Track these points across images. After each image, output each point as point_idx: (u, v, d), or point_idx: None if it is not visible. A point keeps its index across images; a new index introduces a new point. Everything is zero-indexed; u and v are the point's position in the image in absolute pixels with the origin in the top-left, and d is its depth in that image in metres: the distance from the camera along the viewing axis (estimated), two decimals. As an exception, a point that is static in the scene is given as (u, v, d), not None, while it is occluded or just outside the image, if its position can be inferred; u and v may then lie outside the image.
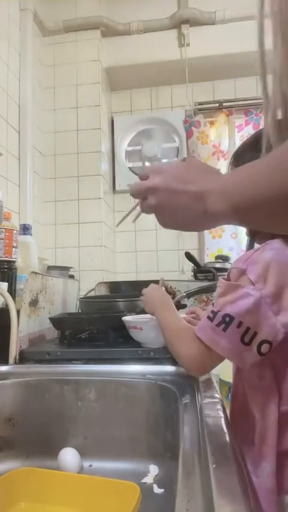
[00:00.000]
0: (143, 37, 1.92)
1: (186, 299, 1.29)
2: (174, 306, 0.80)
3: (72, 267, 1.71)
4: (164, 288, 0.93)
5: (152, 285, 0.91)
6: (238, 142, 1.95)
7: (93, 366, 0.86)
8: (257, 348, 0.55)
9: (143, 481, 0.67)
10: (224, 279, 0.62)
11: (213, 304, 0.60)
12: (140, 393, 0.76)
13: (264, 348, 0.55)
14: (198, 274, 1.60)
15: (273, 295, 0.55)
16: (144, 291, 0.88)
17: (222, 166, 1.96)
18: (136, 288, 0.91)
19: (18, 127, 1.62)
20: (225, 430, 0.49)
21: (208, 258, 1.95)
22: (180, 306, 1.26)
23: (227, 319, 0.56)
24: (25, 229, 1.34)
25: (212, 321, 0.58)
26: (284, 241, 0.57)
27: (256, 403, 0.61)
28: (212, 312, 0.59)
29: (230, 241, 1.97)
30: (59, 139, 1.87)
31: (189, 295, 1.27)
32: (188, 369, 0.68)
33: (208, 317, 0.59)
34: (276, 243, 0.58)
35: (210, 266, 1.67)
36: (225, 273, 0.64)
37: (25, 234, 1.33)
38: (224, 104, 2.02)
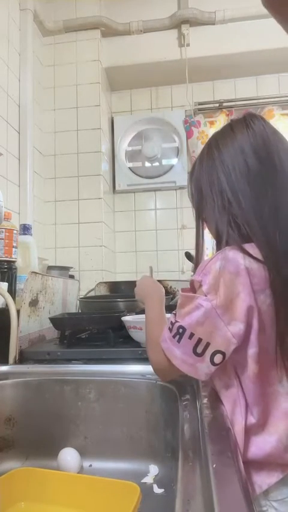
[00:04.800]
0: (143, 37, 1.92)
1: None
2: (160, 298, 0.79)
3: (72, 267, 1.71)
4: (153, 276, 0.94)
5: (143, 275, 0.92)
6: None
7: (93, 366, 0.86)
8: (210, 358, 0.55)
9: (143, 481, 0.67)
10: (184, 289, 0.62)
11: (175, 314, 0.61)
12: (140, 393, 0.76)
13: (218, 358, 0.55)
14: (198, 274, 1.59)
15: (224, 306, 0.54)
16: (137, 281, 0.89)
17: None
18: (136, 288, 0.91)
19: (18, 127, 1.62)
20: (225, 430, 0.49)
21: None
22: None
23: (181, 330, 0.57)
24: (25, 229, 1.34)
25: (171, 332, 0.59)
26: (237, 249, 0.57)
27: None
28: (171, 322, 0.59)
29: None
30: (59, 139, 1.87)
31: (189, 295, 1.26)
32: (154, 371, 0.67)
33: (168, 327, 0.60)
34: (230, 251, 0.57)
35: (210, 266, 1.66)
36: None
37: (25, 234, 1.33)
38: (224, 104, 2.01)
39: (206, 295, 0.56)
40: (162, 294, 0.81)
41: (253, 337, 0.55)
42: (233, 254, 0.56)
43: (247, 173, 0.61)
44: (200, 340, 0.55)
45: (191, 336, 0.55)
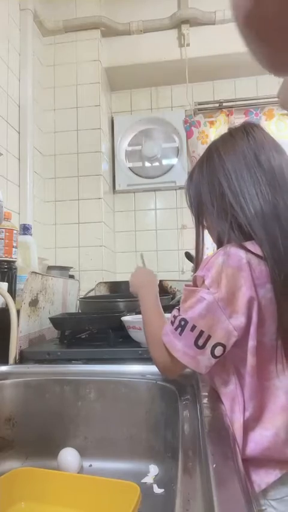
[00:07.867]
0: (143, 37, 1.92)
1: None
2: (153, 287, 0.80)
3: (72, 267, 1.71)
4: (145, 265, 0.95)
5: (136, 267, 0.93)
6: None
7: (93, 366, 0.86)
8: (211, 350, 0.56)
9: (143, 481, 0.67)
10: (187, 285, 0.63)
11: (178, 309, 0.62)
12: (140, 393, 0.76)
13: (218, 350, 0.56)
14: (198, 274, 1.59)
15: (226, 299, 0.56)
16: (131, 274, 0.89)
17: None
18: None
19: (18, 127, 1.62)
20: (225, 430, 0.49)
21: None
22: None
23: (183, 322, 0.58)
24: (25, 229, 1.34)
25: (173, 325, 0.60)
26: (238, 245, 0.59)
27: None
28: (174, 316, 0.61)
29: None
30: (59, 139, 1.87)
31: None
32: (158, 369, 0.68)
33: (171, 321, 0.61)
34: (231, 247, 0.59)
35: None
36: None
37: (25, 234, 1.33)
38: (224, 104, 2.01)
39: (208, 289, 0.57)
40: (155, 282, 0.82)
41: (252, 330, 0.56)
42: (234, 250, 0.58)
43: (248, 176, 0.62)
44: (201, 333, 0.56)
45: (193, 328, 0.57)
